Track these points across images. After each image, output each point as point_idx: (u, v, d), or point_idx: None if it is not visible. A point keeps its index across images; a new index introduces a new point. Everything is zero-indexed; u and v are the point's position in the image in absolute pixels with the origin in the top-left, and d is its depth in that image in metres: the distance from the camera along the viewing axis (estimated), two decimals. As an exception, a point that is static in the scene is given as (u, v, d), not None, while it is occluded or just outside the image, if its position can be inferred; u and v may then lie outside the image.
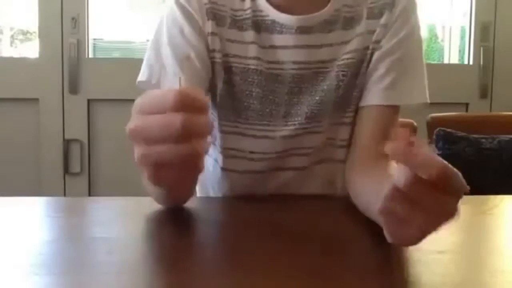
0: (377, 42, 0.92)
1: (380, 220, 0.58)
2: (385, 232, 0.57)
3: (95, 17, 2.30)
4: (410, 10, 0.94)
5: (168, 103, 0.48)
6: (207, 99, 0.51)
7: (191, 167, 0.50)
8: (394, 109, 0.94)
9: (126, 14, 2.55)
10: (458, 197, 0.53)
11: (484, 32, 2.41)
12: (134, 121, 0.51)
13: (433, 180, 0.50)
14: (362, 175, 0.87)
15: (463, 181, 0.52)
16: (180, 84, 0.52)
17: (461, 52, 2.57)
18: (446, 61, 2.64)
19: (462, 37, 2.55)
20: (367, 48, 0.93)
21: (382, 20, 0.92)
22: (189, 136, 0.48)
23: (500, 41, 2.42)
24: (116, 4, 2.53)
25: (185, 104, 0.48)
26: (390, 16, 0.92)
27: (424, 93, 0.94)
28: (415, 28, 0.95)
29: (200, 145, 0.49)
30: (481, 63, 2.41)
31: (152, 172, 0.51)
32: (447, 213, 0.54)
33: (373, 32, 0.93)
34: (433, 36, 2.71)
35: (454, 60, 2.61)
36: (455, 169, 0.51)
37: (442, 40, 2.71)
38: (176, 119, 0.48)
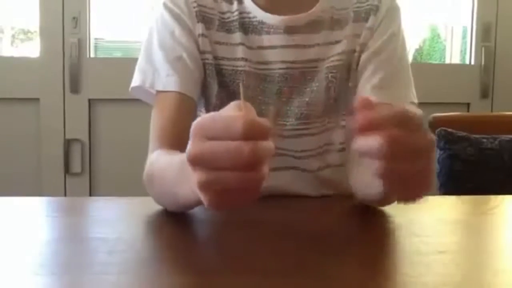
0: (364, 44, 0.94)
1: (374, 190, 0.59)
2: (388, 193, 0.58)
3: (96, 16, 2.30)
4: (393, 13, 0.96)
5: (236, 131, 0.49)
6: (270, 124, 0.51)
7: (254, 191, 0.51)
8: None
9: (127, 13, 2.55)
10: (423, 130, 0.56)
11: (486, 32, 2.41)
12: (197, 146, 0.51)
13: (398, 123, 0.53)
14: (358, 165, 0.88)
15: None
16: (242, 95, 0.52)
17: (462, 52, 2.56)
18: (447, 61, 2.64)
19: (464, 37, 2.54)
20: (354, 51, 0.94)
21: (368, 24, 0.95)
22: (255, 165, 0.49)
23: (501, 41, 2.42)
24: (117, 4, 2.53)
25: (253, 132, 0.49)
26: (375, 19, 0.95)
27: (412, 93, 0.96)
28: (399, 30, 0.97)
29: (264, 170, 0.50)
30: (483, 63, 2.40)
31: (214, 197, 0.52)
32: (426, 143, 0.55)
33: (359, 35, 0.95)
34: (435, 36, 2.71)
35: (456, 60, 2.61)
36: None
37: (444, 40, 2.70)
38: (245, 148, 0.48)
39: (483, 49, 2.41)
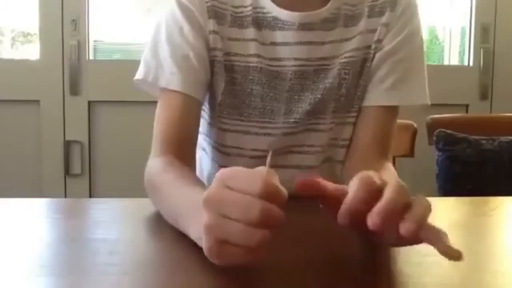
0: (379, 41, 0.93)
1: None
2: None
3: (95, 18, 2.31)
4: (411, 10, 0.94)
5: (255, 188, 0.49)
6: (286, 194, 0.51)
7: (254, 252, 0.50)
8: (394, 109, 0.95)
9: (127, 15, 2.55)
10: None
11: (484, 33, 2.41)
12: (214, 190, 0.51)
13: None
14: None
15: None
16: (268, 160, 0.54)
17: (461, 53, 2.57)
18: (446, 62, 2.65)
19: (462, 38, 2.55)
20: (369, 47, 0.93)
21: (384, 19, 0.93)
22: (263, 225, 0.49)
23: (500, 42, 2.42)
24: (117, 6, 2.53)
25: (271, 195, 0.49)
26: (391, 15, 0.93)
27: (425, 94, 0.95)
28: (417, 29, 0.95)
29: (270, 236, 0.49)
30: (481, 64, 2.41)
31: (214, 244, 0.51)
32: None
33: (374, 31, 0.93)
34: (433, 37, 2.71)
35: (454, 61, 2.61)
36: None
37: (442, 41, 2.71)
38: (259, 205, 0.49)
39: (481, 50, 2.41)
